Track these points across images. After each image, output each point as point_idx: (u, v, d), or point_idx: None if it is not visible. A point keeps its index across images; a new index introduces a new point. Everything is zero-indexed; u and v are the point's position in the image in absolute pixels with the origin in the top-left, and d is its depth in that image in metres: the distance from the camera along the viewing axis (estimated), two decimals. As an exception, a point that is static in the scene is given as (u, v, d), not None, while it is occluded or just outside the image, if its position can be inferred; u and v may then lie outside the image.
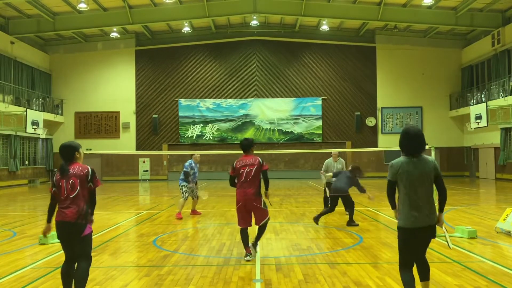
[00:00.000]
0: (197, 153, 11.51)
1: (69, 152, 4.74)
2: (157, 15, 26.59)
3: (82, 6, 23.33)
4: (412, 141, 4.25)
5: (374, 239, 8.20)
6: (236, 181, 6.68)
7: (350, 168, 10.05)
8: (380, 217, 10.99)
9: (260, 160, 6.66)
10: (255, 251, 6.86)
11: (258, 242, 6.95)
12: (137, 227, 10.10)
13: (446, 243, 5.07)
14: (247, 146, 6.78)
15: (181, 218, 10.95)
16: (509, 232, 8.16)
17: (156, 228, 9.70)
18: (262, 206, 6.64)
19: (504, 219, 8.41)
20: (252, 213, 6.70)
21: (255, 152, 6.97)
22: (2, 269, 6.27)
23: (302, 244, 7.71)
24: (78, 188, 4.60)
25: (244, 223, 6.67)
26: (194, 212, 11.74)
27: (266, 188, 6.78)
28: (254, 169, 6.56)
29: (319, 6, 26.38)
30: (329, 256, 6.83)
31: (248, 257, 6.60)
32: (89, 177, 4.65)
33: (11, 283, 5.58)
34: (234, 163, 6.69)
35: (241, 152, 6.86)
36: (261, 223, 6.72)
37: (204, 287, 5.35)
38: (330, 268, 6.13)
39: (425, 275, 4.41)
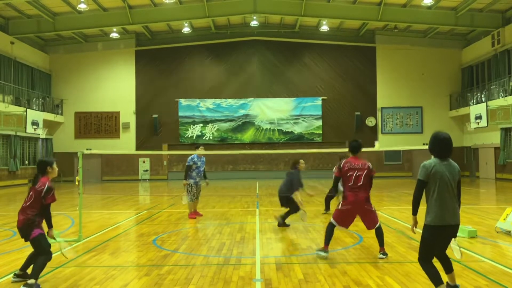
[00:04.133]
0: (200, 152, 10.80)
1: (42, 166, 5.56)
2: (157, 15, 26.59)
3: (82, 6, 23.30)
4: (442, 146, 4.59)
5: (374, 238, 8.15)
6: (343, 184, 6.51)
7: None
8: (380, 217, 10.96)
9: (370, 165, 6.54)
10: (385, 256, 6.57)
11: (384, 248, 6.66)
12: (137, 226, 10.10)
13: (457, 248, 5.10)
14: (357, 148, 6.62)
15: (194, 218, 10.78)
16: (509, 231, 8.16)
17: (156, 228, 9.70)
18: (373, 209, 6.57)
19: (504, 219, 8.41)
20: (360, 218, 6.60)
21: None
22: (2, 269, 6.27)
23: (302, 244, 7.71)
24: (32, 200, 5.38)
25: (344, 224, 6.58)
26: (195, 213, 11.27)
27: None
28: (364, 174, 6.42)
29: (319, 6, 26.37)
30: (329, 256, 6.82)
31: (323, 253, 6.49)
32: (43, 194, 5.37)
33: (11, 283, 5.57)
34: (341, 164, 6.54)
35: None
36: (375, 227, 6.55)
37: (204, 287, 5.35)
38: (330, 267, 6.13)
39: (450, 268, 4.76)
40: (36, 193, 5.39)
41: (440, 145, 4.58)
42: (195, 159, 10.78)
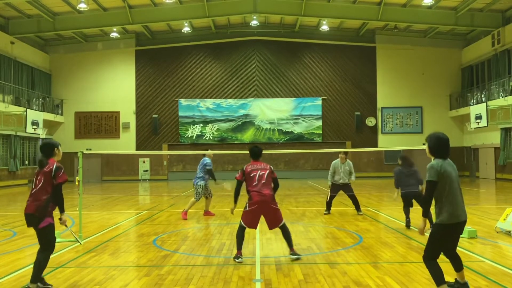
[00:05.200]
0: (209, 152, 11.26)
1: (48, 148, 5.35)
2: (157, 15, 26.59)
3: (82, 6, 23.31)
4: (445, 146, 4.72)
5: (374, 239, 8.20)
6: (247, 185, 6.65)
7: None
8: (380, 217, 10.99)
9: (271, 167, 6.83)
10: (299, 257, 6.54)
11: (294, 247, 6.68)
12: (137, 227, 10.10)
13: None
14: (258, 153, 6.90)
15: (185, 219, 10.82)
16: (509, 232, 8.16)
17: (156, 228, 9.70)
18: (278, 207, 6.63)
19: (504, 219, 8.41)
20: (264, 217, 6.61)
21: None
22: (2, 269, 6.27)
23: (302, 244, 7.71)
24: (42, 183, 5.15)
25: (253, 225, 6.65)
26: (207, 213, 11.47)
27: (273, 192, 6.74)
28: (266, 173, 6.66)
29: (319, 6, 26.38)
30: (329, 256, 6.82)
31: (239, 259, 6.47)
32: (53, 173, 5.17)
33: (11, 283, 5.58)
34: (244, 167, 6.74)
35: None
36: (279, 226, 6.58)
37: (204, 287, 5.35)
38: (330, 268, 6.13)
39: (460, 266, 4.85)
40: (46, 175, 5.15)
41: (446, 146, 4.70)
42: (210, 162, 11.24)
